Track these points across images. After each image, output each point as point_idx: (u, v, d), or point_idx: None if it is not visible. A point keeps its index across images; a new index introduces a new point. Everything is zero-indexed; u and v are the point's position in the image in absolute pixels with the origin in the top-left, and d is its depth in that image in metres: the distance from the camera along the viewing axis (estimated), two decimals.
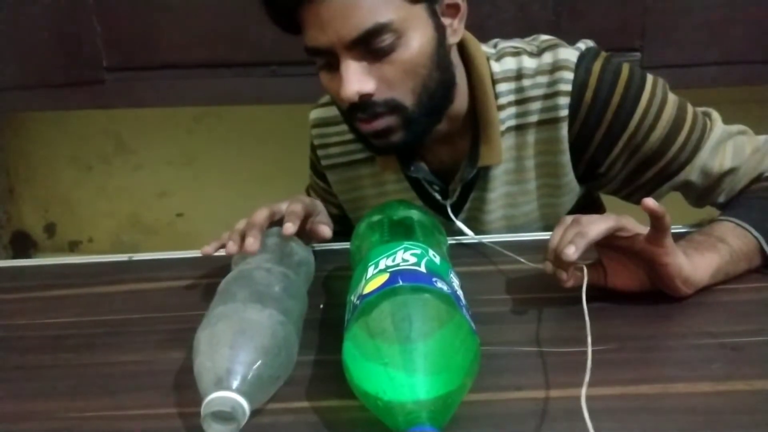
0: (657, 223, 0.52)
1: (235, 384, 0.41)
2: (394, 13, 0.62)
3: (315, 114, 0.86)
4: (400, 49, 0.63)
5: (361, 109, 0.65)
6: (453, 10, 0.69)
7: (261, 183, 1.77)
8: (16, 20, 1.36)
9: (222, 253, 0.62)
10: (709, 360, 0.48)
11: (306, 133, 0.88)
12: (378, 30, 0.61)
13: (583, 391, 0.39)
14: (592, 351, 0.44)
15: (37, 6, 1.35)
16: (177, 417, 0.45)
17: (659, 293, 0.57)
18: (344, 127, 0.81)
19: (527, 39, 0.79)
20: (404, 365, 0.38)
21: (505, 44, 0.77)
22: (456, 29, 0.70)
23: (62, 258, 0.83)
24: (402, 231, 0.57)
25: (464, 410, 0.41)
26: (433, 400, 0.38)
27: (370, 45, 0.62)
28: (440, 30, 0.67)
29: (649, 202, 0.51)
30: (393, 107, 0.66)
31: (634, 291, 0.57)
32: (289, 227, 0.60)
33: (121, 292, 0.70)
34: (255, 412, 0.41)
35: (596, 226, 0.53)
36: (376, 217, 0.61)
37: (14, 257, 1.97)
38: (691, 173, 0.73)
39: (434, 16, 0.66)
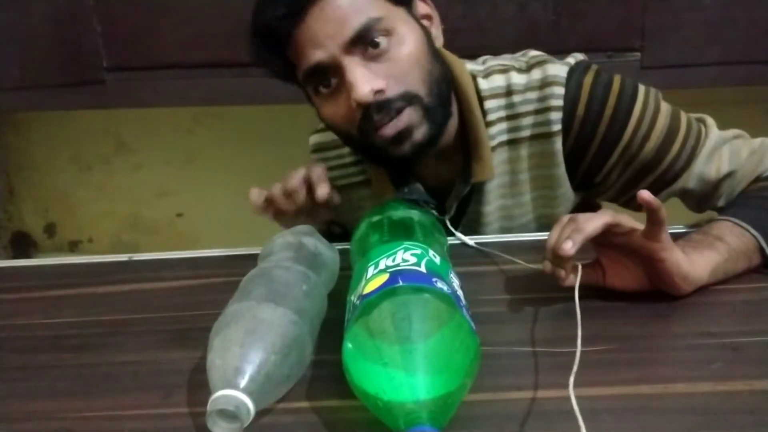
0: (653, 216, 0.52)
1: (242, 383, 0.41)
2: (381, 11, 0.64)
3: (313, 139, 0.88)
4: (396, 47, 0.64)
5: (377, 110, 0.64)
6: (427, 20, 0.72)
7: (261, 183, 1.76)
8: (16, 20, 1.36)
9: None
10: (709, 360, 0.48)
11: (306, 134, 0.89)
12: (370, 25, 0.63)
13: (571, 379, 0.39)
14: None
15: (37, 6, 1.35)
16: (177, 417, 0.45)
17: (658, 293, 0.57)
18: (343, 150, 0.83)
19: (516, 54, 0.80)
20: (404, 365, 0.38)
21: (494, 62, 0.78)
22: (436, 35, 0.72)
23: (62, 258, 0.83)
24: (402, 231, 0.57)
25: (464, 410, 0.41)
26: (433, 400, 0.38)
27: (367, 43, 0.63)
28: (426, 30, 0.69)
29: (645, 194, 0.51)
30: (409, 98, 0.65)
31: (634, 290, 0.57)
32: (324, 188, 0.71)
33: (121, 292, 0.70)
34: (257, 412, 0.41)
35: (593, 222, 0.53)
36: (376, 217, 0.62)
37: (14, 257, 1.97)
38: (689, 181, 0.73)
39: (416, 19, 0.69)
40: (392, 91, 0.64)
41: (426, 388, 0.38)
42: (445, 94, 0.70)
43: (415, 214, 0.62)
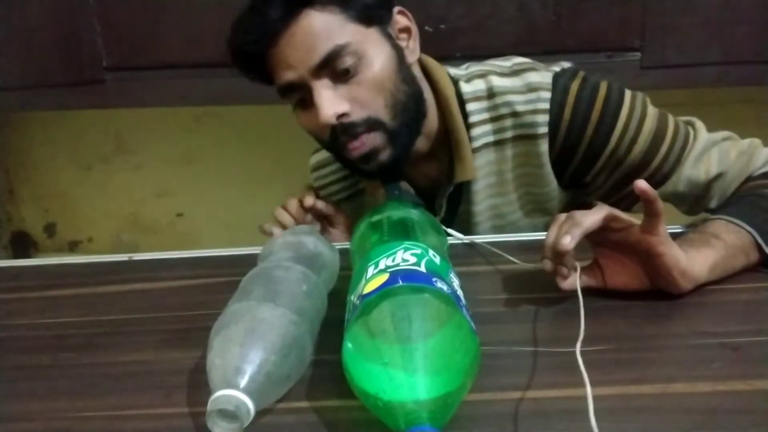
0: (649, 207, 0.52)
1: (242, 383, 0.41)
2: (350, 36, 0.66)
3: (313, 159, 0.93)
4: (363, 69, 0.67)
5: (341, 131, 0.68)
6: (405, 33, 0.74)
7: (261, 183, 1.77)
8: (16, 20, 1.36)
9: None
10: (709, 360, 0.48)
11: (305, 134, 0.89)
12: (337, 51, 0.65)
13: (578, 345, 0.39)
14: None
15: (37, 6, 1.35)
16: (177, 417, 0.45)
17: (658, 293, 0.57)
18: (339, 164, 0.85)
19: (501, 58, 0.81)
20: (404, 365, 0.38)
21: (476, 68, 0.80)
22: (412, 49, 0.74)
23: (62, 258, 0.83)
24: (402, 231, 0.57)
25: (464, 410, 0.41)
26: (433, 400, 0.38)
27: (335, 67, 0.66)
28: (398, 49, 0.71)
29: (641, 183, 0.52)
30: (372, 124, 0.69)
31: (634, 289, 0.57)
32: (309, 199, 0.80)
33: (121, 292, 0.70)
34: (256, 412, 0.41)
35: (591, 216, 0.53)
36: (376, 217, 0.62)
37: (14, 257, 1.97)
38: (678, 183, 0.74)
39: (389, 38, 0.70)
40: (356, 114, 0.68)
41: (426, 388, 0.38)
42: (413, 112, 0.72)
43: (415, 214, 0.62)
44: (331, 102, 0.67)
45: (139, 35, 1.36)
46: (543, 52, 1.25)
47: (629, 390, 0.44)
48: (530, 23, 1.26)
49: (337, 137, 0.69)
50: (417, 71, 0.75)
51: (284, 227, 0.82)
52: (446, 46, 1.24)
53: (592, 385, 0.39)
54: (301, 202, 0.83)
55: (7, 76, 1.39)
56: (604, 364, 0.47)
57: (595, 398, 0.38)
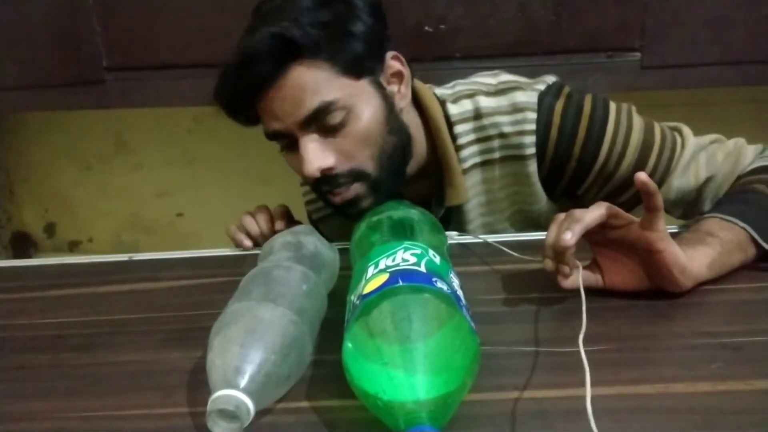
0: (649, 202, 0.52)
1: (242, 383, 0.41)
2: (338, 91, 0.65)
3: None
4: (351, 123, 0.66)
5: (324, 182, 0.69)
6: (397, 77, 0.72)
7: (261, 183, 1.77)
8: (16, 20, 1.36)
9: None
10: (709, 360, 0.48)
11: None
12: (324, 108, 0.65)
13: (581, 337, 0.39)
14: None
15: (37, 6, 1.35)
16: (177, 417, 0.45)
17: (658, 293, 0.57)
18: None
19: (489, 73, 0.81)
20: (404, 365, 0.38)
21: (463, 86, 0.79)
22: (403, 94, 0.73)
23: (62, 258, 0.83)
24: (402, 231, 0.57)
25: (464, 410, 0.41)
26: (433, 400, 0.38)
27: (322, 122, 0.66)
28: (388, 98, 0.70)
29: (642, 176, 0.52)
30: (356, 175, 0.69)
31: (633, 289, 0.57)
32: (280, 224, 0.80)
33: (121, 292, 0.70)
34: (256, 412, 0.41)
35: (591, 212, 0.54)
36: (376, 217, 0.62)
37: (14, 257, 1.97)
38: (669, 192, 0.75)
39: (380, 87, 0.70)
40: (341, 167, 0.68)
41: (426, 388, 0.38)
42: (399, 159, 0.72)
43: (415, 214, 0.62)
44: (317, 156, 0.66)
45: (139, 35, 1.36)
46: (543, 52, 1.25)
47: (629, 390, 0.44)
48: (530, 23, 1.26)
49: (320, 187, 0.70)
50: (407, 111, 0.74)
51: (251, 237, 0.81)
52: (446, 46, 1.24)
53: (592, 384, 0.39)
54: (270, 218, 0.82)
55: (7, 76, 1.39)
56: (604, 364, 0.47)
57: (595, 398, 0.38)
